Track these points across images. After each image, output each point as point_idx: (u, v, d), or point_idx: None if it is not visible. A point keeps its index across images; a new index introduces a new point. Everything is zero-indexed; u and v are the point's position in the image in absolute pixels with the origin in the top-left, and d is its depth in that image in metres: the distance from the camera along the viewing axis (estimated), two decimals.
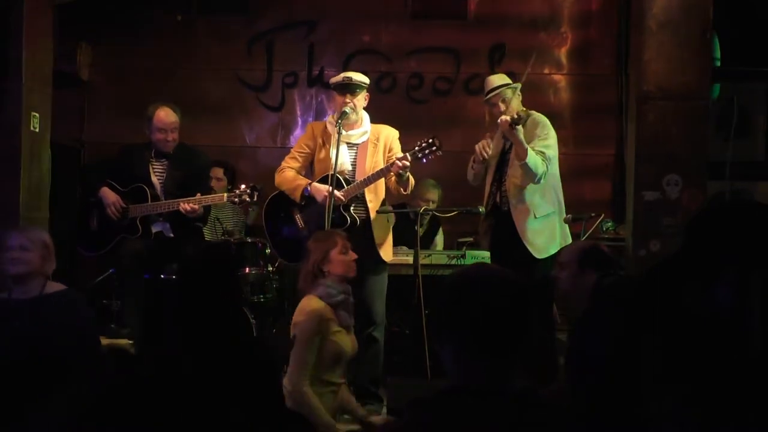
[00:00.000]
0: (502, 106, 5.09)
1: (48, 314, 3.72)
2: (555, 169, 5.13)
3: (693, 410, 1.39)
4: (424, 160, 4.92)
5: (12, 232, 3.91)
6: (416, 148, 4.88)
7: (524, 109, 5.04)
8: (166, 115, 5.39)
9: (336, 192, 4.86)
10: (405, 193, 5.12)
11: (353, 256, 3.83)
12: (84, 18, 6.88)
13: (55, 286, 3.87)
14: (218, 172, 6.42)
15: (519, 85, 5.19)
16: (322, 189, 4.98)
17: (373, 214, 5.07)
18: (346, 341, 3.86)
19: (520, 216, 5.04)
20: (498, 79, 5.24)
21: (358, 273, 4.13)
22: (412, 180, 5.08)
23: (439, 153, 4.88)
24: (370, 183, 4.98)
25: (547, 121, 5.16)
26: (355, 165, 5.08)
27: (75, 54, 7.07)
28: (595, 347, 2.65)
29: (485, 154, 5.14)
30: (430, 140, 4.88)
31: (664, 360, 1.45)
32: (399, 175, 4.91)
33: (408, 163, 4.84)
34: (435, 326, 1.80)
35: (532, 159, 4.88)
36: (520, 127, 4.89)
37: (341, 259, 3.79)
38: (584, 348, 2.82)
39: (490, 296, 1.72)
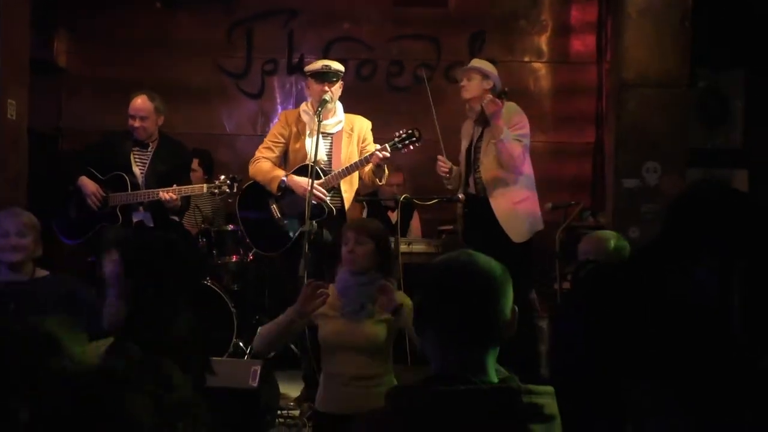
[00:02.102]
0: (464, 83, 5.05)
1: (44, 297, 3.69)
2: (527, 155, 5.14)
3: (676, 397, 1.40)
4: (404, 151, 4.91)
5: (6, 216, 3.80)
6: (395, 139, 4.86)
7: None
8: (141, 101, 5.32)
9: (317, 191, 4.84)
10: (380, 183, 5.11)
11: (349, 249, 3.71)
12: (62, 4, 6.80)
13: (42, 272, 3.86)
14: (193, 162, 6.34)
15: (492, 83, 5.10)
16: (300, 182, 4.94)
17: (348, 204, 5.06)
18: (332, 327, 3.71)
19: (499, 203, 5.04)
20: (477, 62, 5.21)
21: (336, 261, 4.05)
22: (387, 171, 5.07)
23: (418, 144, 4.87)
24: (348, 174, 4.96)
25: (521, 110, 5.14)
26: (331, 155, 5.06)
27: (52, 41, 6.97)
28: (576, 336, 2.66)
29: (443, 172, 5.15)
30: (410, 131, 4.85)
31: (647, 347, 1.45)
32: (377, 166, 4.90)
33: (388, 155, 4.82)
34: (416, 314, 1.79)
35: (507, 138, 4.84)
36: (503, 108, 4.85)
37: (342, 250, 3.76)
38: (566, 337, 2.83)
39: (471, 284, 1.71)
